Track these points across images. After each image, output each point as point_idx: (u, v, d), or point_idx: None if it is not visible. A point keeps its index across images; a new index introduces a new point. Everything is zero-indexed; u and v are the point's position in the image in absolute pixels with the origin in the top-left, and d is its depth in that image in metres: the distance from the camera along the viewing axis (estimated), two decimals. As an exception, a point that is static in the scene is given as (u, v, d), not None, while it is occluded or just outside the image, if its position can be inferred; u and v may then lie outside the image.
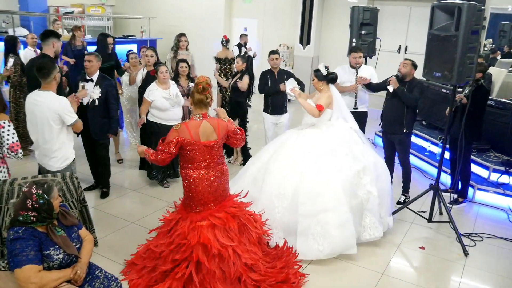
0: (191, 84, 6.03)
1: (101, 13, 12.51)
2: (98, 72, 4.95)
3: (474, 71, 4.24)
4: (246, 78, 6.00)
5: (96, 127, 4.86)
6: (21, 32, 10.31)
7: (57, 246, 2.49)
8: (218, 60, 8.28)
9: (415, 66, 5.06)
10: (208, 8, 12.10)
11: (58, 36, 4.82)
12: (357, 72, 5.67)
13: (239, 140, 3.46)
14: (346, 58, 6.85)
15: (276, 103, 5.92)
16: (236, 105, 6.17)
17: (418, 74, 5.24)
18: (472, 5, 3.97)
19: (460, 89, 4.98)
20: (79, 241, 2.71)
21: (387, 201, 4.54)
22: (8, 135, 3.46)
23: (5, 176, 3.55)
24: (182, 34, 7.40)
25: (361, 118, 5.83)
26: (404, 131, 5.09)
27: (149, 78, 5.96)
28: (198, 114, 3.23)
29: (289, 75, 5.87)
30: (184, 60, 6.02)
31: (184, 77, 5.99)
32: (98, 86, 4.82)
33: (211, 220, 3.27)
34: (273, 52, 5.98)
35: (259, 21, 11.78)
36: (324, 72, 4.58)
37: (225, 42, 8.52)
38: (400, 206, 4.99)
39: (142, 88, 6.10)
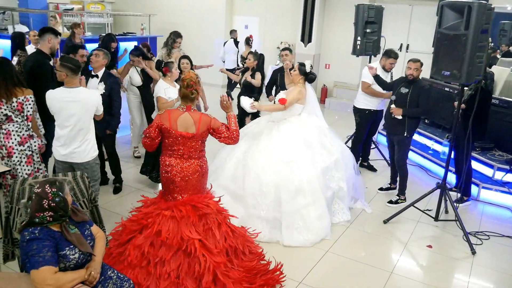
0: None
1: (101, 10, 12.42)
2: (104, 69, 4.95)
3: (483, 70, 4.23)
4: (258, 75, 6.07)
5: (100, 123, 4.82)
6: (20, 29, 10.21)
7: (72, 246, 2.46)
8: (244, 59, 8.38)
9: (422, 65, 5.06)
10: (209, 6, 12.04)
11: (55, 32, 4.79)
12: (391, 77, 5.79)
13: (225, 139, 3.42)
14: (348, 55, 6.92)
15: None
16: None
17: (426, 73, 5.26)
18: (483, 4, 3.95)
19: (466, 88, 4.96)
20: (92, 239, 2.68)
21: (353, 183, 4.94)
22: (30, 107, 3.96)
23: (34, 146, 4.09)
24: (179, 36, 7.36)
25: (378, 116, 6.02)
26: (405, 134, 5.09)
27: (148, 77, 6.05)
28: (183, 105, 3.36)
29: None
30: (186, 57, 6.01)
31: None
32: (102, 82, 4.81)
33: (174, 211, 3.30)
34: (283, 49, 6.18)
35: (261, 18, 11.73)
36: (308, 69, 4.69)
37: (251, 41, 8.70)
38: (407, 205, 4.96)
39: (144, 87, 6.10)
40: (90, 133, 3.92)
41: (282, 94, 4.75)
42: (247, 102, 4.70)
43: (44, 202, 2.37)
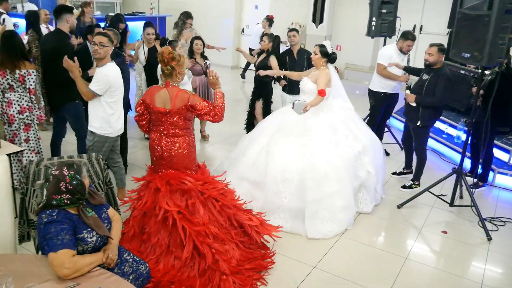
0: (207, 61, 5.97)
1: (109, -11, 12.25)
2: (112, 48, 4.86)
3: (505, 52, 4.10)
4: (274, 60, 5.84)
5: None
6: (29, 7, 10.10)
7: (89, 229, 2.44)
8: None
9: (443, 51, 4.77)
10: (219, -15, 11.82)
11: (71, 10, 4.75)
12: (408, 60, 5.64)
13: (206, 115, 3.30)
14: (359, 37, 6.74)
15: (293, 82, 5.85)
16: (260, 84, 6.05)
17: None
18: (507, -17, 3.81)
19: (487, 72, 4.83)
20: (109, 222, 2.65)
21: (382, 175, 4.84)
22: (33, 81, 4.25)
23: (31, 119, 4.37)
24: (190, 16, 7.24)
25: (392, 99, 5.88)
26: (418, 124, 4.91)
27: (153, 56, 5.92)
28: (162, 82, 3.36)
29: (309, 54, 5.74)
30: (199, 38, 5.91)
31: (199, 55, 5.90)
32: None
33: (153, 183, 3.38)
34: (291, 30, 5.94)
35: (271, -2, 11.52)
36: (329, 49, 4.51)
37: (272, 22, 8.74)
38: (422, 190, 4.87)
39: (149, 66, 6.03)
40: None
41: (307, 81, 4.58)
42: (300, 107, 4.38)
43: (61, 184, 2.33)
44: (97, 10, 11.38)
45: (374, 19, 6.30)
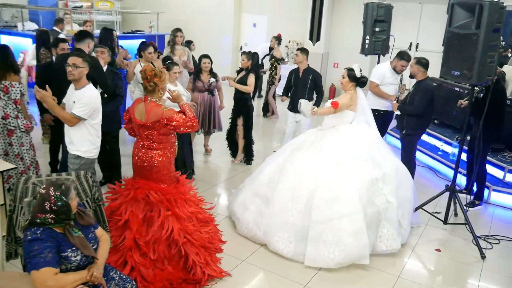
0: (212, 80, 6.03)
1: (109, 8, 12.43)
2: (106, 65, 4.98)
3: (494, 70, 4.15)
4: (252, 78, 5.93)
5: (105, 118, 4.75)
6: (30, 26, 10.28)
7: (74, 248, 2.44)
8: (273, 57, 8.59)
9: (422, 64, 4.95)
10: (217, 3, 11.99)
11: (92, 37, 4.99)
12: (401, 80, 5.67)
13: (181, 126, 3.34)
14: (357, 54, 6.79)
15: (294, 100, 5.90)
16: (239, 101, 6.10)
17: (436, 73, 5.14)
18: (494, 2, 3.87)
19: (477, 88, 4.86)
20: (96, 242, 2.66)
21: (408, 208, 4.41)
22: (15, 92, 4.55)
23: (14, 126, 4.60)
24: (178, 30, 7.35)
25: (387, 117, 5.92)
26: (403, 132, 5.02)
27: None
28: (143, 96, 3.49)
29: (315, 75, 5.86)
30: (206, 56, 6.00)
31: (206, 73, 6.00)
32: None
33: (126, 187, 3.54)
34: (297, 49, 6.11)
35: (269, 17, 11.66)
36: (358, 73, 4.41)
37: (281, 40, 8.87)
38: (416, 207, 4.85)
39: None
40: None
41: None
42: (307, 108, 4.39)
43: (46, 204, 2.34)
44: (97, 28, 11.50)
45: (367, 37, 6.38)
